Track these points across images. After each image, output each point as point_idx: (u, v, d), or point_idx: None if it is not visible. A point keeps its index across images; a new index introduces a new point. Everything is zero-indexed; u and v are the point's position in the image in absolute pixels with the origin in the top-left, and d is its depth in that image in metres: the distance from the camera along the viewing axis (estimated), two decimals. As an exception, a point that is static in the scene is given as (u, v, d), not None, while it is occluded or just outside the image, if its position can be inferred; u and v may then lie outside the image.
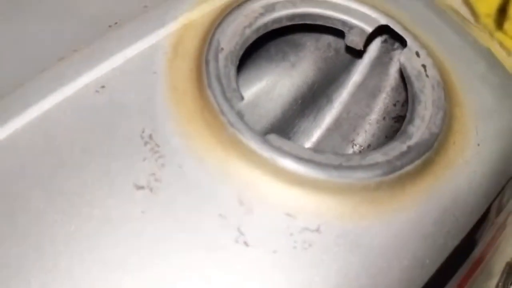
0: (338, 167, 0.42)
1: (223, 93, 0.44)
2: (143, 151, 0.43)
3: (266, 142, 0.42)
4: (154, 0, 0.52)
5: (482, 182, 0.49)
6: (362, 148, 0.71)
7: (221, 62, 0.47)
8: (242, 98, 0.45)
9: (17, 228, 0.39)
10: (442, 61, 0.54)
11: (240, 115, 0.44)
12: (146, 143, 0.43)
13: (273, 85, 0.70)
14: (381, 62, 0.68)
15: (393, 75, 0.69)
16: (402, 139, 0.45)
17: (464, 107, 0.51)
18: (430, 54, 0.53)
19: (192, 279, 0.38)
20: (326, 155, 0.43)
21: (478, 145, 0.49)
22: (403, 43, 0.53)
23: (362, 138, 0.72)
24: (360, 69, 0.70)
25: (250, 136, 0.42)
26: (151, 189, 0.41)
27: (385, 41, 0.61)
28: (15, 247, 0.38)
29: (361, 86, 0.71)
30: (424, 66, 0.51)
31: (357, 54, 0.63)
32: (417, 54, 0.51)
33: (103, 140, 0.44)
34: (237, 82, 0.46)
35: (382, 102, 0.71)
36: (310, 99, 0.72)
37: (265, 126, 0.71)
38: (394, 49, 0.61)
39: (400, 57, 0.51)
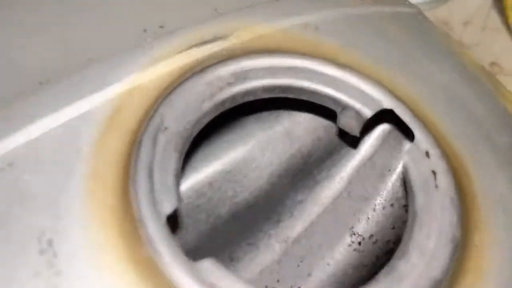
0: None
1: (151, 193, 0.33)
2: (36, 263, 0.32)
3: (195, 275, 0.31)
4: (100, 53, 0.41)
5: None
6: (362, 239, 0.59)
7: (160, 147, 0.36)
8: (178, 201, 0.34)
9: None
10: (464, 163, 0.41)
11: (167, 228, 0.32)
12: (42, 252, 0.33)
13: (260, 151, 0.59)
14: (394, 136, 0.55)
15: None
16: (388, 280, 0.33)
17: (485, 233, 0.38)
18: (447, 154, 0.40)
19: None
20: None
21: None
22: (410, 135, 0.40)
23: (363, 226, 0.59)
24: (369, 142, 0.58)
25: (175, 261, 0.31)
26: (31, 322, 0.30)
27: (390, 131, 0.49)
28: None
29: (368, 162, 0.59)
30: (434, 172, 0.38)
31: (352, 141, 0.51)
32: (427, 154, 0.39)
33: (-10, 240, 0.33)
34: (177, 176, 0.35)
35: (391, 185, 0.58)
36: (305, 172, 0.60)
37: (247, 198, 0.59)
38: (401, 141, 0.49)
39: (404, 156, 0.39)
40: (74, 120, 0.38)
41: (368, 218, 0.59)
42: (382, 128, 0.55)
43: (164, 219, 0.32)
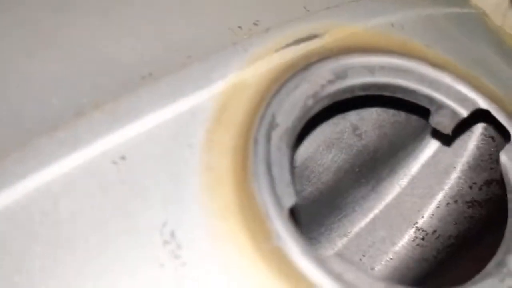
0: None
1: (273, 188, 0.34)
2: (160, 254, 0.33)
3: (324, 266, 0.32)
4: (199, 50, 0.42)
5: None
6: (426, 234, 0.60)
7: (274, 143, 0.37)
8: (295, 194, 0.35)
9: None
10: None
11: (291, 221, 0.33)
12: (165, 243, 0.33)
13: (327, 148, 0.60)
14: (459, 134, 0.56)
15: (472, 151, 0.57)
16: (501, 274, 0.34)
17: None
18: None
19: None
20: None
21: None
22: (505, 135, 0.41)
23: (427, 222, 0.60)
24: (434, 140, 0.59)
25: (303, 254, 0.32)
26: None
27: (483, 132, 0.50)
28: None
29: (432, 159, 0.60)
30: (532, 174, 0.39)
31: (443, 138, 0.52)
32: (526, 155, 0.40)
33: (110, 231, 0.34)
34: (292, 172, 0.36)
35: (455, 182, 0.59)
36: (370, 167, 0.61)
37: (314, 193, 0.60)
38: (495, 143, 0.50)
39: (501, 155, 0.40)
40: (182, 115, 0.39)
41: (432, 214, 0.60)
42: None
43: (286, 212, 0.33)
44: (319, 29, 0.45)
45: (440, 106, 0.42)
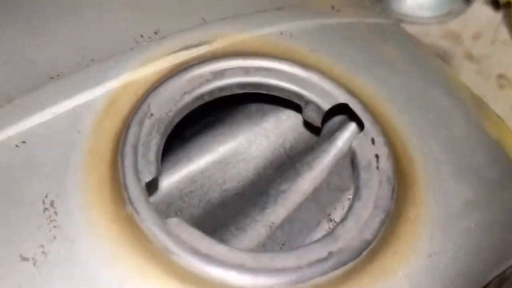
0: (238, 267, 0.37)
1: (135, 164, 0.41)
2: (40, 218, 0.40)
3: (164, 228, 0.38)
4: (103, 54, 0.50)
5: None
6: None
7: (146, 129, 0.43)
8: (156, 171, 0.41)
9: None
10: (408, 148, 0.48)
11: (145, 192, 0.40)
12: (45, 210, 0.41)
13: (248, 145, 0.66)
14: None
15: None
16: (327, 241, 0.39)
17: (422, 207, 0.44)
18: (392, 140, 0.47)
19: None
20: (229, 251, 0.38)
21: (430, 256, 0.43)
22: (361, 125, 0.47)
23: (339, 213, 0.65)
24: (346, 137, 0.65)
25: (148, 218, 0.39)
26: (34, 262, 0.38)
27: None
28: None
29: (345, 156, 0.65)
30: (377, 156, 0.45)
31: (316, 130, 0.58)
32: (373, 141, 0.46)
33: (5, 199, 0.41)
34: (158, 153, 0.43)
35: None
36: (288, 164, 0.67)
37: (235, 186, 0.67)
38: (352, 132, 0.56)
39: (354, 142, 0.46)
40: (77, 107, 0.46)
41: (344, 206, 0.65)
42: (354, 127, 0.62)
43: (143, 185, 0.40)
44: (210, 37, 0.52)
45: (307, 101, 0.49)
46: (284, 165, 0.67)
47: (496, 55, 1.84)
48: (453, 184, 0.48)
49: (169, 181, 0.63)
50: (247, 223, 0.68)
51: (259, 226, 0.68)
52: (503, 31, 1.92)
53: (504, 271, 0.50)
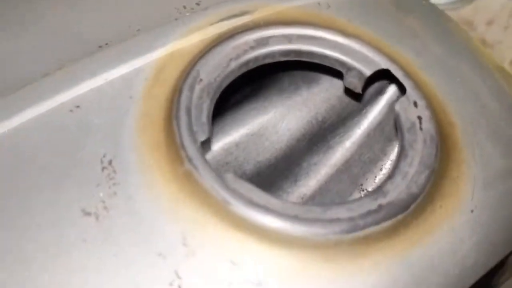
0: (293, 218, 0.39)
1: (189, 125, 0.43)
2: (99, 176, 0.42)
3: (221, 182, 0.40)
4: (148, 24, 0.51)
5: (470, 254, 0.43)
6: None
7: (196, 93, 0.45)
8: (210, 132, 0.43)
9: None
10: (448, 114, 0.49)
11: (201, 150, 0.42)
12: (104, 168, 0.42)
13: (281, 118, 0.68)
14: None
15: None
16: (375, 196, 0.41)
17: (464, 167, 0.46)
18: (433, 105, 0.48)
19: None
20: (284, 203, 0.39)
21: (472, 211, 0.44)
22: (402, 90, 0.48)
23: (371, 184, 0.67)
24: (377, 110, 0.66)
25: (206, 174, 0.40)
26: (97, 217, 0.40)
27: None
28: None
29: (377, 128, 0.67)
30: (419, 118, 0.46)
31: (357, 96, 0.60)
32: (415, 104, 0.47)
33: (64, 160, 0.43)
34: (209, 115, 0.44)
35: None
36: (320, 137, 0.68)
37: (269, 158, 0.68)
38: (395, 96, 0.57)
39: (396, 105, 0.47)
40: (127, 75, 0.48)
41: (375, 177, 0.67)
42: (387, 98, 0.63)
43: (198, 144, 0.42)
44: (250, 7, 0.53)
45: (349, 68, 0.50)
46: (316, 138, 0.68)
47: (509, 40, 1.84)
48: (491, 148, 0.49)
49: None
50: (280, 194, 0.70)
51: (292, 198, 0.70)
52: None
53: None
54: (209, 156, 0.64)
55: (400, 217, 0.40)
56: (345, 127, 0.68)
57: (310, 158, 0.69)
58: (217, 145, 0.65)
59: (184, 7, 0.53)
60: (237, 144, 0.66)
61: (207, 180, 0.40)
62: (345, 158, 0.69)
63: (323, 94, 0.67)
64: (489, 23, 1.97)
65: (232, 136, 0.66)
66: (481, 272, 0.44)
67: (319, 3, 0.55)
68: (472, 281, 0.43)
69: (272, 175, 0.69)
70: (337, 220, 0.39)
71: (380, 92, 0.63)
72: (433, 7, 0.68)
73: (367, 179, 0.67)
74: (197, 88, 0.45)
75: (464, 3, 1.95)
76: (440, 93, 0.51)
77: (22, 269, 0.38)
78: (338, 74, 0.54)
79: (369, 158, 0.68)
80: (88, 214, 0.40)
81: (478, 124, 0.51)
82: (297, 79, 0.68)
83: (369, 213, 0.40)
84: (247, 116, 0.67)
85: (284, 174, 0.69)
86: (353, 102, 0.67)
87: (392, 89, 0.62)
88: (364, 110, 0.67)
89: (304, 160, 0.69)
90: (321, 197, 0.69)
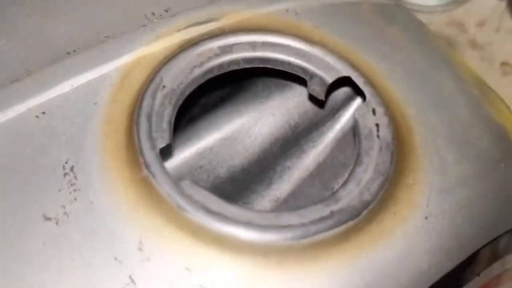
0: (246, 224, 0.40)
1: (149, 132, 0.44)
2: (60, 182, 0.43)
3: (177, 189, 0.41)
4: (117, 31, 0.52)
5: (424, 259, 0.44)
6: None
7: (159, 100, 0.46)
8: (169, 139, 0.44)
9: None
10: (408, 120, 0.50)
11: (159, 157, 0.43)
12: (65, 174, 0.43)
13: (254, 122, 0.69)
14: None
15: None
16: (328, 202, 0.42)
17: (420, 173, 0.47)
18: (392, 111, 0.49)
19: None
20: (237, 210, 0.40)
21: (426, 218, 0.45)
22: (363, 97, 0.49)
23: (342, 187, 0.68)
24: (349, 115, 0.67)
25: (163, 180, 0.41)
26: (57, 222, 0.41)
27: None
28: None
29: (348, 132, 0.68)
30: (377, 125, 0.47)
31: (320, 103, 0.60)
32: (373, 111, 0.48)
33: (28, 165, 0.44)
34: (170, 122, 0.45)
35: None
36: (293, 141, 0.69)
37: (242, 162, 0.69)
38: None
39: (355, 112, 0.48)
40: (94, 81, 0.49)
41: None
42: (357, 103, 0.64)
43: (157, 151, 0.43)
44: (218, 14, 0.54)
45: (312, 75, 0.51)
46: (289, 142, 0.69)
47: (500, 42, 1.85)
48: (451, 155, 0.50)
49: (180, 156, 0.66)
50: (254, 198, 0.71)
51: (266, 201, 0.71)
52: (507, 19, 1.93)
53: (497, 247, 0.53)
54: (181, 160, 0.65)
55: (351, 223, 0.41)
56: (318, 132, 0.69)
57: (284, 162, 0.70)
58: (191, 150, 0.66)
59: (153, 13, 0.54)
60: (210, 148, 0.67)
61: (164, 186, 0.41)
62: (318, 162, 0.70)
63: (296, 99, 0.68)
64: (480, 24, 1.97)
65: (205, 140, 0.67)
66: (435, 277, 0.45)
67: (287, 10, 0.56)
68: (425, 286, 0.44)
69: (246, 179, 0.70)
70: (289, 226, 0.40)
71: (352, 97, 0.64)
72: (410, 15, 0.68)
73: (338, 183, 0.68)
74: (160, 94, 0.46)
75: (456, 5, 1.96)
76: (402, 99, 0.52)
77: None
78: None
79: (341, 162, 0.69)
80: (48, 219, 0.41)
81: (440, 131, 0.52)
82: (271, 84, 0.69)
83: (321, 219, 0.41)
84: (221, 120, 0.68)
85: (259, 177, 0.70)
86: (325, 108, 0.68)
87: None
88: (337, 115, 0.68)
89: (278, 164, 0.70)
90: (294, 200, 0.70)
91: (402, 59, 0.58)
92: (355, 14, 0.60)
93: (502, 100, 0.73)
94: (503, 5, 1.98)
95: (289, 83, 0.67)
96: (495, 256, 0.54)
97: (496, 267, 0.53)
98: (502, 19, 2.01)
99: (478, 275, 0.50)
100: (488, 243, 0.50)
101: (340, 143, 0.68)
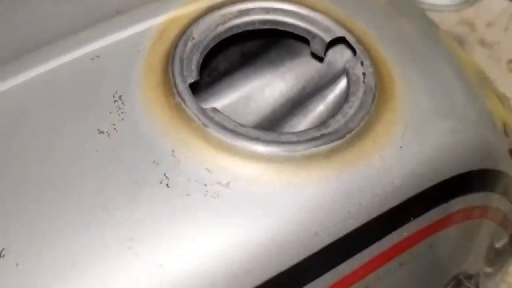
0: (254, 139, 0.51)
1: (181, 71, 0.56)
2: (111, 106, 0.55)
3: (202, 112, 0.53)
4: (155, -4, 0.65)
5: (396, 181, 0.55)
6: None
7: (188, 48, 0.58)
8: (197, 77, 0.56)
9: None
10: (391, 74, 0.61)
11: (190, 88, 0.55)
12: (115, 101, 0.56)
13: (267, 84, 0.80)
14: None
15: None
16: (320, 127, 0.54)
17: (397, 113, 0.58)
18: (378, 65, 0.60)
19: (120, 203, 0.49)
20: (248, 129, 0.52)
21: (400, 147, 0.56)
22: (354, 53, 0.61)
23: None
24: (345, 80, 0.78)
25: (191, 105, 0.53)
26: (108, 135, 0.53)
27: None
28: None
29: (344, 92, 0.79)
30: (364, 74, 0.58)
31: (321, 58, 0.72)
32: (362, 63, 0.59)
33: (86, 96, 0.57)
34: (198, 65, 0.57)
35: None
36: (300, 102, 0.81)
37: (254, 119, 0.81)
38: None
39: (347, 63, 0.60)
40: (137, 34, 0.61)
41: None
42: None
43: (187, 84, 0.55)
44: (238, -14, 0.66)
45: (314, 36, 0.63)
46: (297, 103, 0.81)
47: (507, 41, 1.94)
48: (427, 105, 0.61)
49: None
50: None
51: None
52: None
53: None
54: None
55: (336, 143, 0.52)
56: (321, 94, 0.80)
57: (291, 120, 0.81)
58: (214, 104, 0.78)
59: (185, -16, 0.66)
60: (229, 105, 0.79)
61: (192, 109, 0.53)
62: (320, 119, 0.81)
63: (303, 67, 0.80)
64: (489, 24, 2.06)
65: (227, 98, 0.79)
66: (406, 195, 0.55)
67: (296, -15, 0.68)
68: (394, 203, 0.55)
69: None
70: (287, 142, 0.51)
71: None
72: (428, 18, 0.79)
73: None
74: (189, 44, 0.58)
75: (467, 5, 2.05)
76: (389, 60, 0.63)
77: (46, 168, 0.51)
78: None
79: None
80: (101, 132, 0.53)
81: (420, 86, 0.63)
82: (283, 52, 0.80)
83: (313, 138, 0.52)
84: (240, 81, 0.80)
85: (268, 133, 0.81)
86: (328, 73, 0.79)
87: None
88: (337, 80, 0.79)
89: (286, 122, 0.81)
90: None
91: (398, 33, 0.69)
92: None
93: (500, 94, 0.83)
94: (512, 6, 2.05)
95: (298, 50, 0.79)
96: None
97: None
98: (510, 20, 2.09)
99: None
100: (455, 177, 0.60)
101: (337, 102, 0.80)
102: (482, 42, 1.97)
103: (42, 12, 0.65)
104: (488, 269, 0.85)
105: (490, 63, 1.91)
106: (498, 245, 0.83)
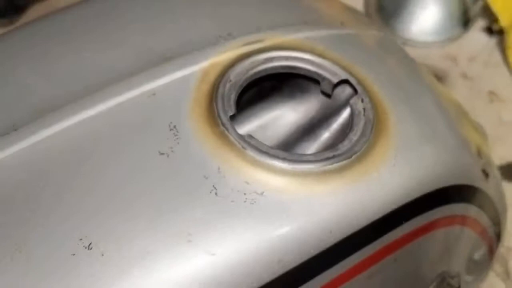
0: (282, 159, 0.67)
1: (223, 105, 0.72)
2: (168, 134, 0.71)
3: (241, 138, 0.69)
4: (199, 45, 0.81)
5: (390, 191, 0.71)
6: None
7: (227, 88, 0.74)
8: (235, 110, 0.72)
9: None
10: (385, 110, 0.78)
11: (230, 119, 0.70)
12: (170, 129, 0.71)
13: (282, 115, 0.96)
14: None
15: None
16: (332, 150, 0.70)
17: (390, 141, 0.74)
18: (374, 103, 0.77)
19: (180, 206, 0.65)
20: (276, 151, 0.68)
21: (394, 165, 0.72)
22: (356, 92, 0.77)
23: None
24: (347, 109, 0.94)
25: (232, 132, 0.69)
26: (168, 156, 0.69)
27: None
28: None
29: (346, 122, 0.95)
30: (364, 108, 0.75)
31: (328, 95, 0.88)
32: (362, 100, 0.76)
33: (145, 125, 0.72)
34: (234, 101, 0.74)
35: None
36: (309, 129, 0.97)
37: (271, 144, 0.97)
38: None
39: (351, 101, 0.76)
40: (186, 76, 0.77)
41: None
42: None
43: (228, 117, 0.71)
44: (263, 37, 0.83)
45: (323, 78, 0.79)
46: (306, 130, 0.97)
47: (488, 75, 2.12)
48: (414, 131, 0.78)
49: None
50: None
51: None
52: (496, 54, 2.20)
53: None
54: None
55: (345, 162, 0.68)
56: (327, 123, 0.96)
57: (301, 145, 0.97)
58: (240, 131, 0.94)
59: (220, 36, 0.83)
60: (249, 132, 0.95)
61: (233, 135, 0.69)
62: (325, 144, 0.97)
63: (313, 100, 0.96)
64: (471, 59, 2.26)
65: (249, 125, 0.95)
66: (404, 200, 0.71)
67: (307, 38, 0.85)
68: (391, 208, 0.71)
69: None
70: (308, 161, 0.67)
71: (351, 97, 0.92)
72: (406, 53, 0.96)
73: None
74: (228, 85, 0.75)
75: (450, 41, 2.25)
76: (383, 97, 0.80)
77: (120, 182, 0.66)
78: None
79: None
80: (162, 154, 0.69)
81: (409, 119, 0.79)
82: (294, 89, 0.97)
83: (327, 158, 0.68)
84: (260, 112, 0.96)
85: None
86: (333, 106, 0.96)
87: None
88: (342, 111, 0.95)
89: (297, 146, 0.97)
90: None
91: (389, 74, 0.86)
92: (355, 41, 0.89)
93: (474, 122, 1.00)
94: (493, 42, 2.25)
95: (308, 87, 0.95)
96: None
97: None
98: (491, 55, 2.28)
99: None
100: (438, 189, 0.76)
101: (340, 130, 0.96)
102: (465, 76, 2.16)
103: (97, 59, 0.81)
104: (468, 278, 1.01)
105: (472, 94, 2.08)
106: (477, 256, 0.99)
